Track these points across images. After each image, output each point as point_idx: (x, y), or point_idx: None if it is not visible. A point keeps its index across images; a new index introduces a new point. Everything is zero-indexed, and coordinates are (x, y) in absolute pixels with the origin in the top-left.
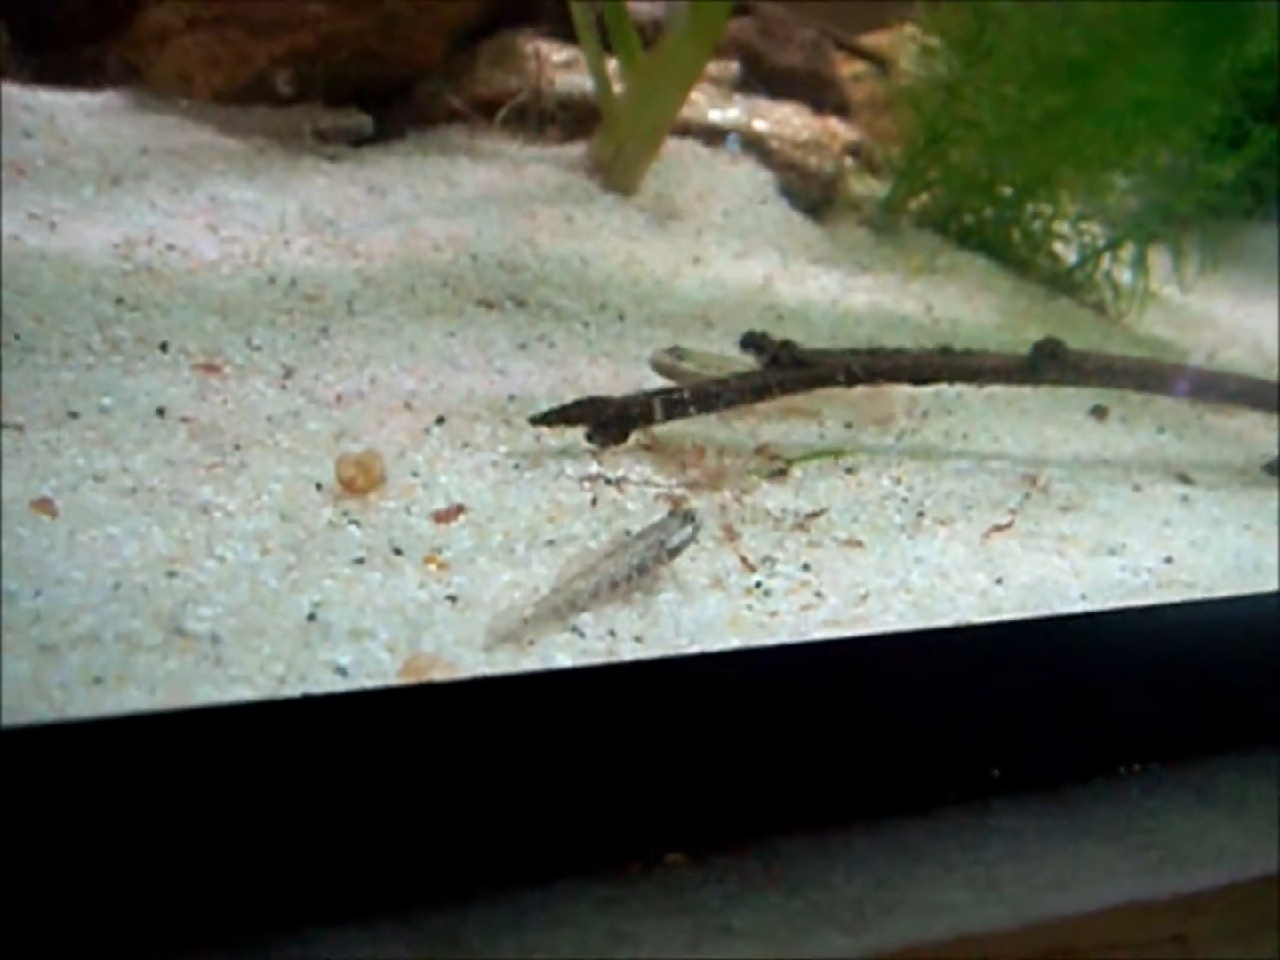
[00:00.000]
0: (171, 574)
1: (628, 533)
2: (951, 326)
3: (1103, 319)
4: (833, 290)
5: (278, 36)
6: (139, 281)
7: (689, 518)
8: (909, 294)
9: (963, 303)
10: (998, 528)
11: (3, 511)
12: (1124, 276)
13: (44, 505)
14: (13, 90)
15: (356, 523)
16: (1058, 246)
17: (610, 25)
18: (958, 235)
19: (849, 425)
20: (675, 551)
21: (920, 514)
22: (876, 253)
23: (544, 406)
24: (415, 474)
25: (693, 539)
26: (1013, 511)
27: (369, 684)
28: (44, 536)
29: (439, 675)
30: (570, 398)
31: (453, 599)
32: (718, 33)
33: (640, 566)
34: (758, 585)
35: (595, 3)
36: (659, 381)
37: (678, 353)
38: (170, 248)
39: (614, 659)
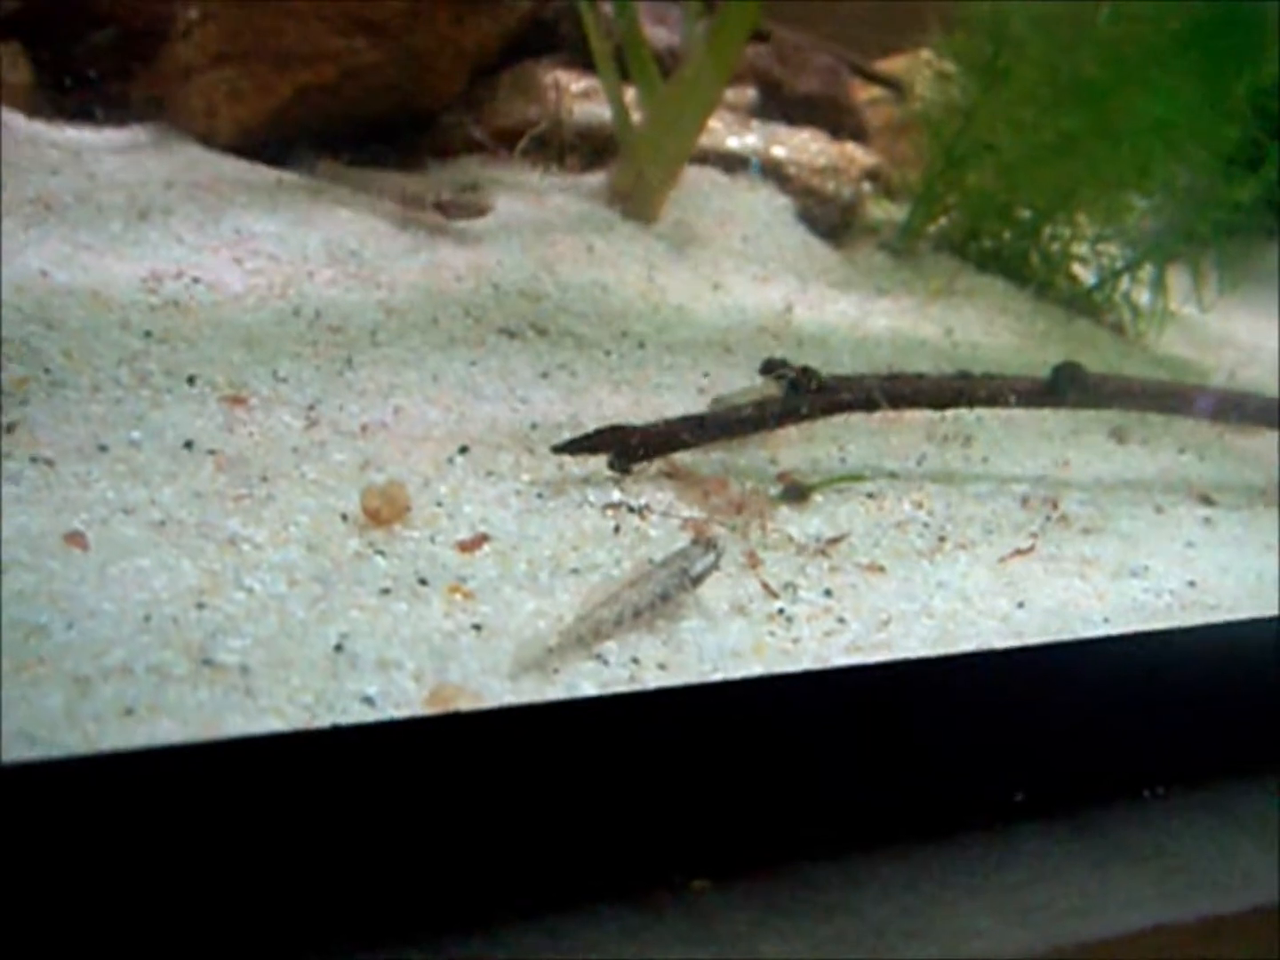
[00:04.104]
0: (201, 606)
1: (651, 561)
2: (971, 350)
3: (1122, 340)
4: (852, 314)
5: (300, 69)
6: (166, 315)
7: (711, 545)
8: (928, 317)
9: (982, 326)
10: (1019, 551)
11: (36, 545)
12: (1143, 297)
13: (75, 539)
14: (39, 128)
15: (382, 553)
16: (1076, 268)
17: (628, 54)
18: (976, 258)
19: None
20: (698, 579)
21: (942, 538)
22: (895, 276)
23: (566, 434)
24: (439, 503)
25: (715, 566)
26: (1034, 535)
27: (396, 713)
28: (75, 569)
29: (464, 705)
30: (592, 426)
31: (478, 628)
32: (735, 60)
33: (663, 594)
34: (780, 611)
35: (613, 32)
36: (681, 412)
37: (727, 402)
38: (197, 281)
39: (638, 687)
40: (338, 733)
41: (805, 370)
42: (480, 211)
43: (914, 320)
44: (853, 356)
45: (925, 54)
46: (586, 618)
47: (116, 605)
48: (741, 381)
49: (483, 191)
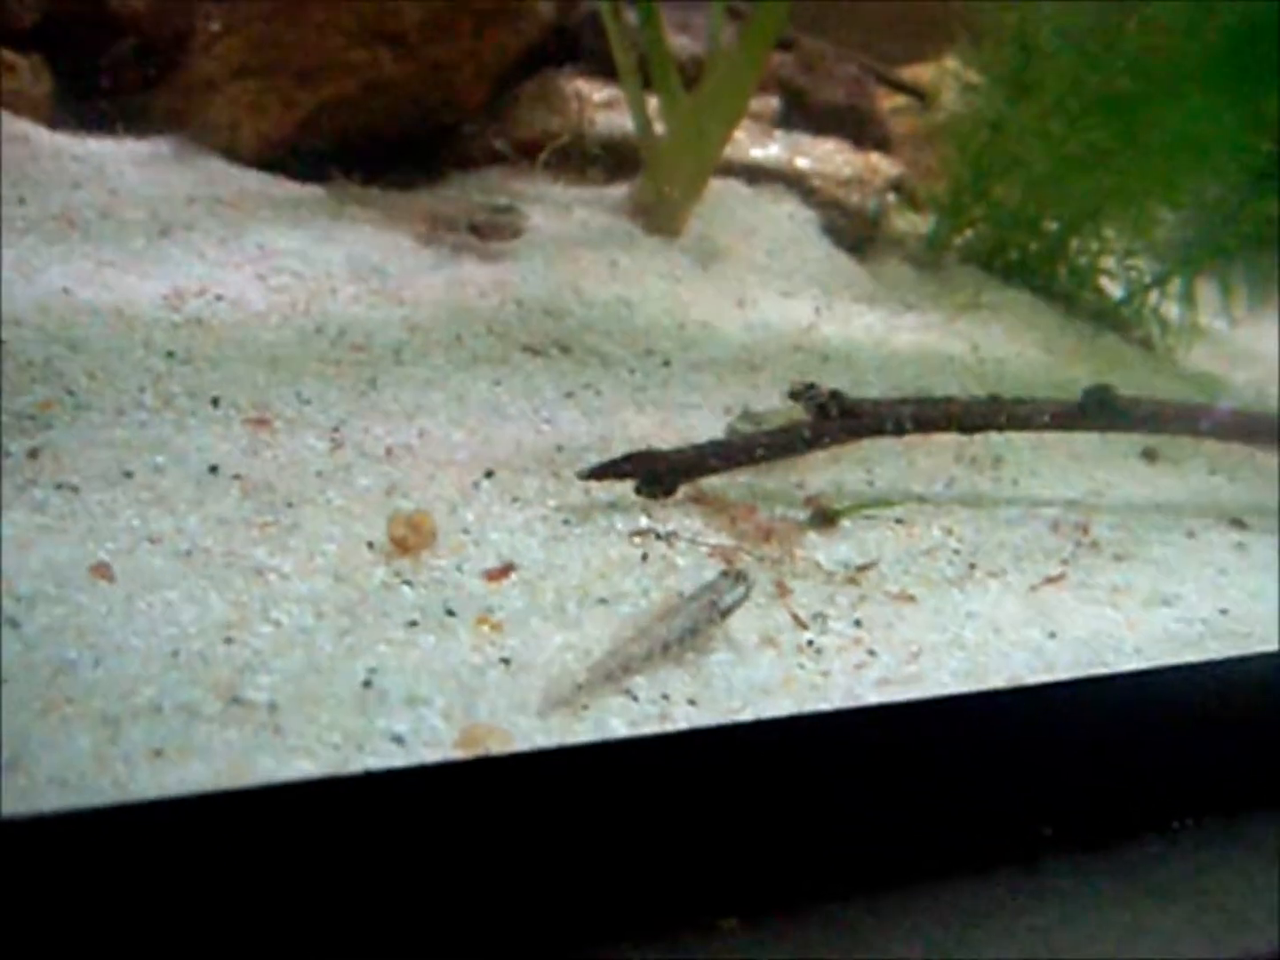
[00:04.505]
0: (229, 640)
1: (680, 594)
2: (998, 366)
3: (1150, 355)
4: (877, 330)
5: (322, 83)
6: (189, 334)
7: (741, 578)
8: (954, 332)
9: (1008, 341)
10: (1050, 579)
11: (63, 577)
12: (1171, 311)
13: (102, 570)
14: (61, 140)
15: (409, 583)
16: (1104, 282)
17: (652, 65)
18: (1002, 271)
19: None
20: (727, 612)
21: (972, 565)
22: (920, 290)
23: (591, 458)
24: (466, 531)
25: (745, 599)
26: (1064, 562)
27: (426, 752)
28: (102, 602)
29: (495, 744)
30: (617, 448)
31: (506, 662)
32: (761, 70)
33: (693, 628)
34: (810, 643)
35: (637, 42)
36: (707, 432)
37: (754, 418)
38: (219, 298)
39: (667, 727)
40: (370, 779)
41: (833, 395)
42: (516, 233)
43: (940, 335)
44: (879, 375)
45: (949, 62)
46: (616, 653)
47: (144, 640)
48: (768, 400)
49: (517, 212)
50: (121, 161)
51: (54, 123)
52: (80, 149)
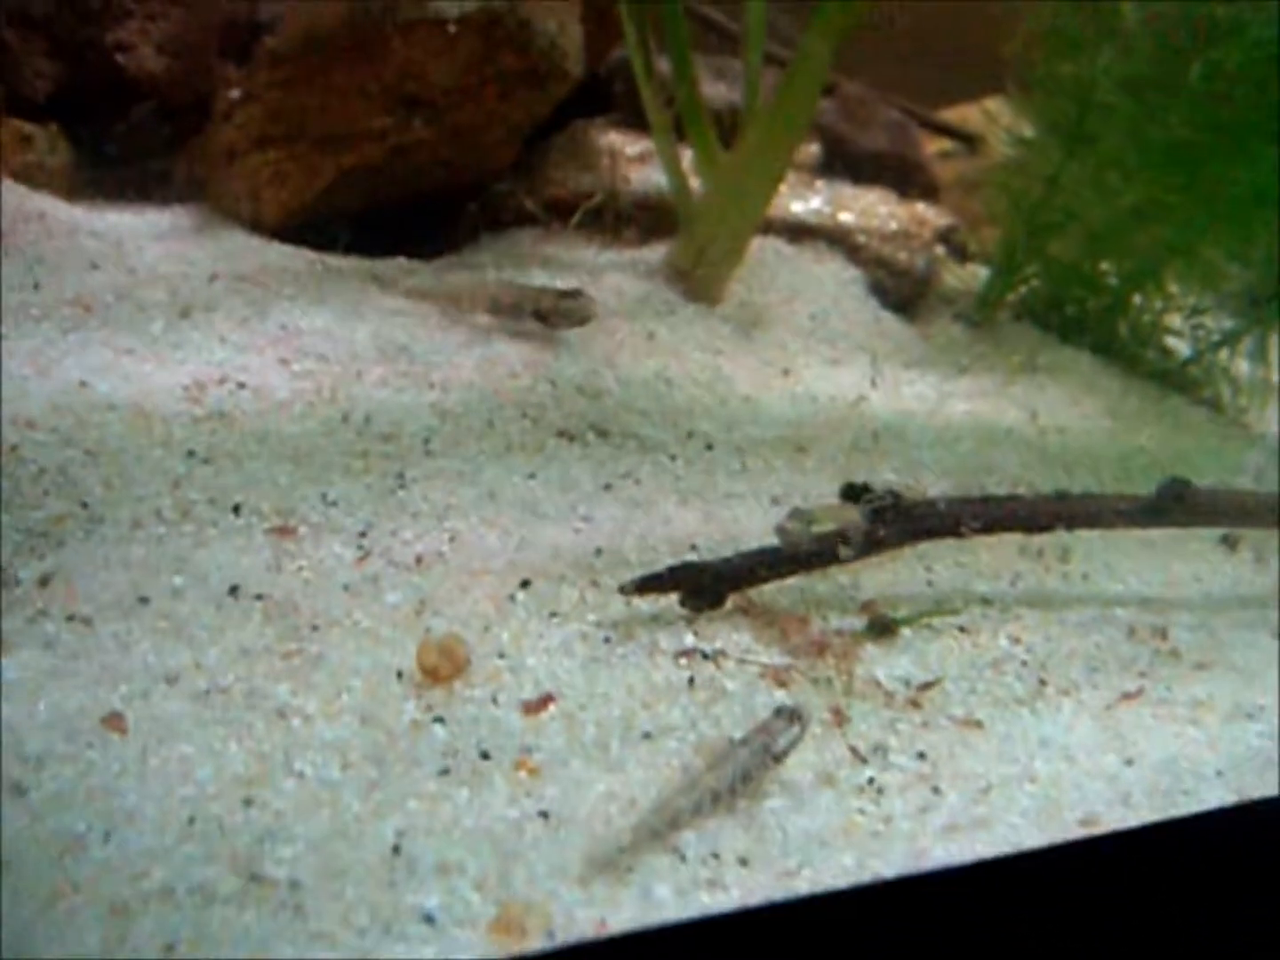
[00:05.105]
0: (248, 802)
1: (731, 740)
2: (1059, 436)
3: (1219, 417)
4: (929, 398)
5: (345, 150)
6: (210, 429)
7: (796, 717)
8: (1010, 398)
9: (1068, 406)
10: (1126, 696)
11: (73, 729)
12: (1241, 369)
13: (114, 721)
14: (79, 215)
15: (441, 719)
16: (1168, 340)
17: (685, 119)
18: (1059, 329)
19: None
20: (781, 756)
21: (1042, 681)
22: (973, 351)
23: (632, 559)
24: (501, 654)
25: (800, 740)
26: (1142, 674)
27: (457, 934)
28: (114, 759)
29: (532, 925)
30: (659, 548)
31: (545, 815)
32: (806, 125)
33: (745, 776)
34: (870, 782)
35: (670, 91)
36: (754, 525)
37: (804, 517)
38: (241, 386)
39: (717, 896)
40: None
41: (890, 496)
42: (584, 319)
43: (996, 403)
44: (934, 451)
45: (990, 103)
46: (662, 807)
47: (157, 805)
48: (816, 485)
49: (585, 298)
50: (141, 236)
51: (72, 193)
52: (99, 223)
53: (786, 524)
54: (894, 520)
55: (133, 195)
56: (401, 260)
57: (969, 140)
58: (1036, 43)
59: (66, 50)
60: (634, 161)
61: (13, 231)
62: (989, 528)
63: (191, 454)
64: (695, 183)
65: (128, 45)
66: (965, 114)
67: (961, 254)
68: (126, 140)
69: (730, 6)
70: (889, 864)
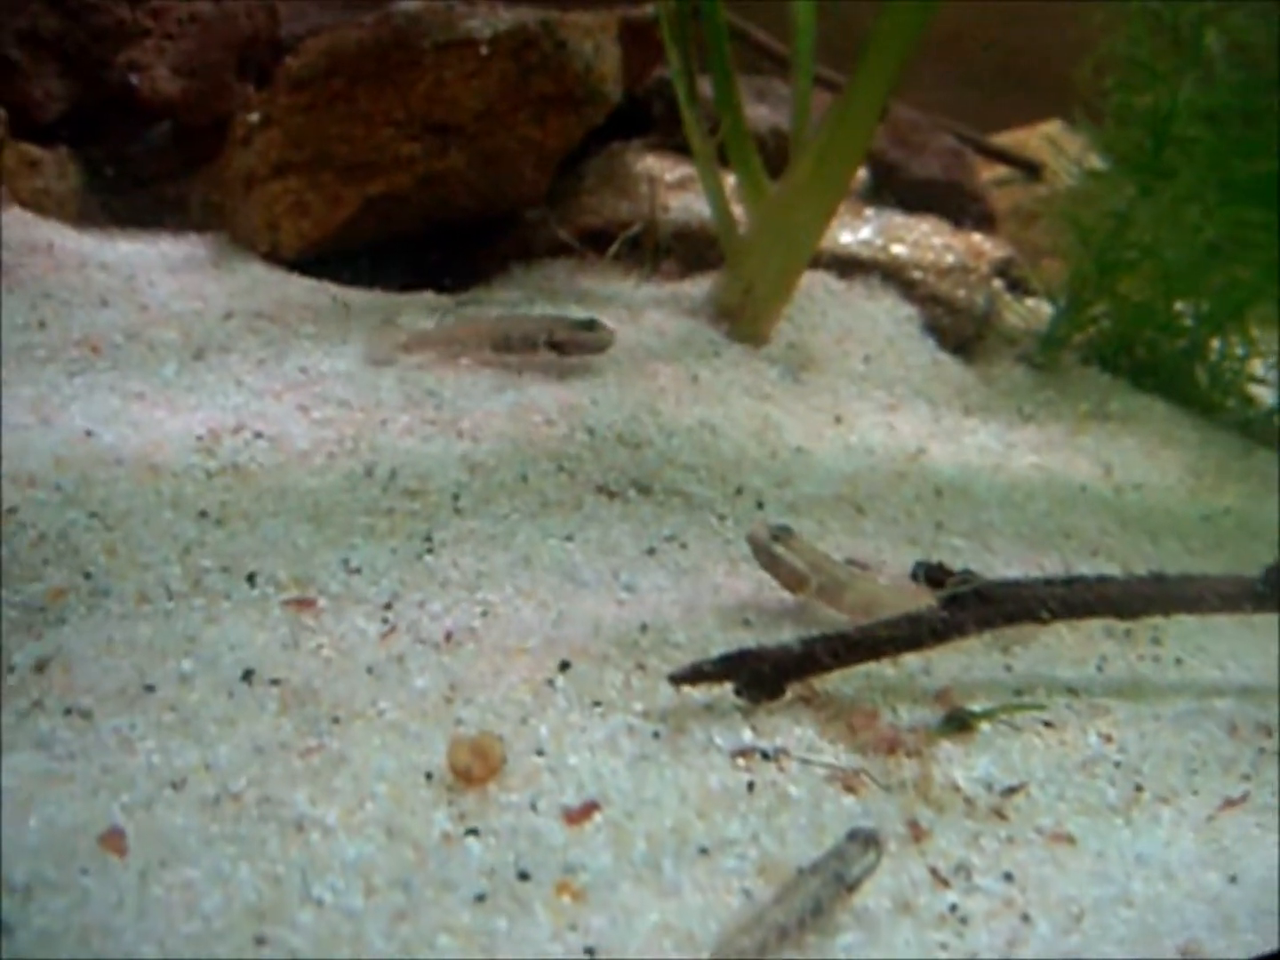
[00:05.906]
0: (260, 940)
1: (800, 870)
2: (1137, 494)
3: None
4: (993, 450)
5: (370, 178)
6: (224, 485)
7: (871, 842)
8: (1080, 450)
9: (1144, 460)
10: (1230, 803)
11: (66, 851)
12: None
13: (113, 840)
14: (89, 244)
15: (475, 831)
16: (1251, 387)
17: (729, 145)
18: (1130, 373)
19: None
20: (855, 885)
21: (1138, 786)
22: (1038, 396)
23: (679, 639)
24: (540, 752)
25: (875, 867)
26: (1246, 778)
27: None
28: (111, 888)
29: None
30: (709, 623)
31: (591, 952)
32: (861, 156)
33: (815, 909)
34: (953, 909)
35: (711, 114)
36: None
37: (781, 532)
38: (258, 436)
39: None
40: None
41: (965, 577)
42: (601, 348)
43: (1065, 455)
44: (1003, 511)
45: (1046, 127)
46: (724, 946)
47: (158, 947)
48: (877, 550)
49: (601, 327)
50: (153, 268)
51: (82, 218)
52: (110, 254)
53: (757, 529)
54: (970, 602)
55: (146, 221)
56: (428, 295)
57: (1031, 168)
58: (1108, 70)
59: (78, 70)
60: (673, 188)
61: (19, 264)
62: (1076, 612)
63: (204, 514)
64: (739, 212)
65: (142, 65)
66: (1019, 138)
67: (1021, 289)
68: (140, 164)
69: (778, 29)
70: None
